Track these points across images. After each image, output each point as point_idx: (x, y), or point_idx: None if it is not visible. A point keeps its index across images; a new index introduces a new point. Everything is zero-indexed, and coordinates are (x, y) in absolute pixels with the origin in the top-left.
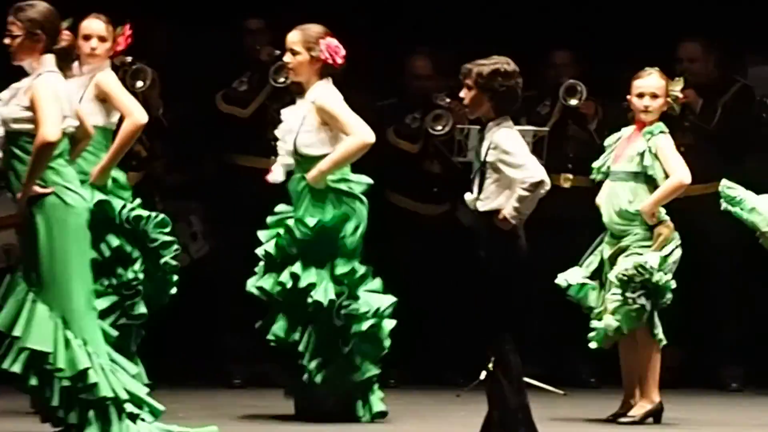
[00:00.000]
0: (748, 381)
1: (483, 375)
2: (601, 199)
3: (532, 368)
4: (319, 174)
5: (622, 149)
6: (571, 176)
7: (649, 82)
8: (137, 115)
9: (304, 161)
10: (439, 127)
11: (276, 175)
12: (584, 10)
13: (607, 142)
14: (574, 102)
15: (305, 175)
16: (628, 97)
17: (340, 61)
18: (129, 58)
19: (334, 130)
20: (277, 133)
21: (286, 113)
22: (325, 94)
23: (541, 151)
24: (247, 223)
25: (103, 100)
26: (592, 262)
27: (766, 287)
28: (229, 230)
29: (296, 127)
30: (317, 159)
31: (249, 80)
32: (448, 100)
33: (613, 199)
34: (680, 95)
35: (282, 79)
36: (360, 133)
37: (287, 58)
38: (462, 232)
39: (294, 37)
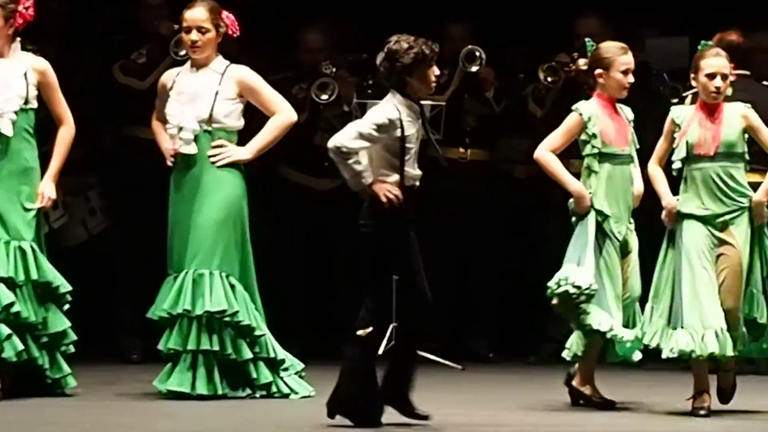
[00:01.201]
0: None
1: (381, 349)
2: (693, 188)
3: (430, 343)
4: (257, 154)
5: (712, 132)
6: (463, 150)
7: (721, 61)
8: None
9: (216, 132)
10: (325, 96)
11: (192, 148)
12: None
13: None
14: (474, 68)
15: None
16: (693, 76)
17: (236, 34)
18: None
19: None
20: (175, 104)
21: (182, 84)
22: (244, 68)
23: (439, 124)
24: (145, 197)
25: None
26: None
27: None
28: (128, 205)
29: (209, 97)
30: (230, 132)
31: (147, 53)
32: (334, 69)
33: (720, 184)
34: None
35: (183, 52)
36: (288, 112)
37: (195, 35)
38: (357, 207)
39: (201, 15)
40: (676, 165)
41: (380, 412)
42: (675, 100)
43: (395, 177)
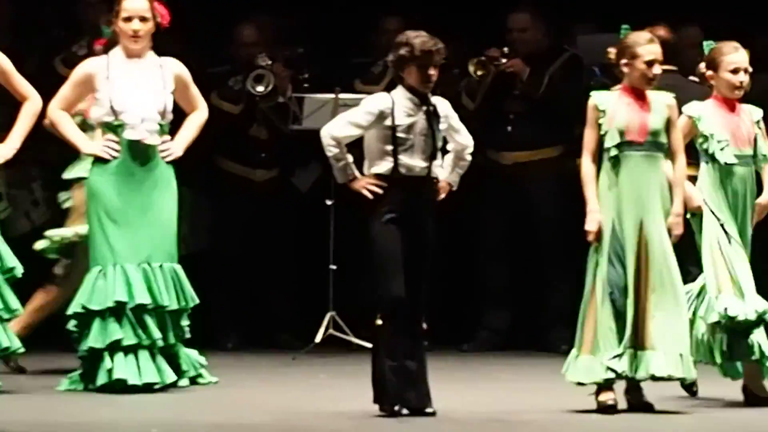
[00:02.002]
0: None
1: (318, 338)
2: (715, 187)
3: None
4: (185, 149)
5: (731, 129)
6: None
7: (743, 57)
8: None
9: (163, 127)
10: (261, 88)
11: (156, 138)
12: None
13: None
14: None
15: (164, 146)
16: (707, 72)
17: (167, 24)
18: None
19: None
20: (123, 93)
21: (123, 73)
22: (179, 62)
23: None
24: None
25: None
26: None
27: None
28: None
29: (162, 90)
30: (167, 125)
31: (88, 45)
32: (269, 61)
33: (748, 185)
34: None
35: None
36: (206, 108)
37: (137, 25)
38: (295, 198)
39: (142, 5)
40: (613, 152)
41: (393, 399)
42: None
43: (388, 165)
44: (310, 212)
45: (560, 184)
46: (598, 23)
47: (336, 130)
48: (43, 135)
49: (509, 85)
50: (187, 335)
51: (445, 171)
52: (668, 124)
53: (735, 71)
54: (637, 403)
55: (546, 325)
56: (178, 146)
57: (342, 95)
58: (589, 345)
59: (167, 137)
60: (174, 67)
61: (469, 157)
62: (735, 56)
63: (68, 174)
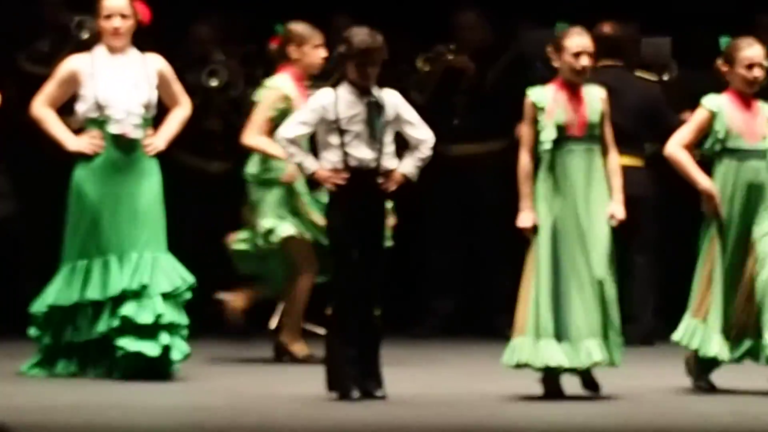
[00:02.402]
0: None
1: (273, 324)
2: (730, 181)
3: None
4: (167, 144)
5: (745, 124)
6: None
7: (759, 52)
8: None
9: (146, 122)
10: (215, 83)
11: (139, 132)
12: None
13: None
14: None
15: (147, 141)
16: (723, 67)
17: (147, 22)
18: None
19: None
20: (108, 88)
21: (107, 69)
22: (161, 58)
23: None
24: (53, 182)
25: None
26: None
27: None
28: (35, 189)
29: (146, 85)
30: (150, 120)
31: (51, 40)
32: (223, 57)
33: (763, 178)
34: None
35: (86, 35)
36: (189, 106)
37: (118, 22)
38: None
39: (122, 3)
40: (547, 146)
41: (345, 384)
42: None
43: (337, 158)
44: None
45: (505, 175)
46: (542, 20)
47: (288, 132)
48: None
49: (456, 80)
50: (183, 320)
51: (403, 163)
52: (602, 117)
53: (750, 66)
54: (587, 383)
55: (490, 310)
56: (160, 140)
57: None
58: (523, 328)
59: (151, 131)
60: (157, 63)
61: (427, 151)
62: (750, 51)
63: (251, 170)
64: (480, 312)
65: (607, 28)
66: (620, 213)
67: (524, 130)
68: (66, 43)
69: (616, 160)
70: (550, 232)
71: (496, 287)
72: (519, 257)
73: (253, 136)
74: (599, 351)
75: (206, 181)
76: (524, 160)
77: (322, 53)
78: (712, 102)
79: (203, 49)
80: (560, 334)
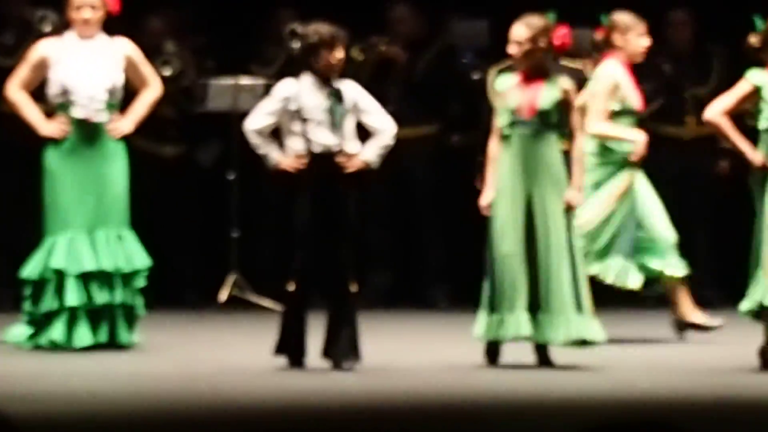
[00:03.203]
0: (454, 300)
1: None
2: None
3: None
4: (135, 127)
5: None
6: None
7: None
8: None
9: (112, 106)
10: (167, 72)
11: (103, 116)
12: None
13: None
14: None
15: (111, 125)
16: (758, 45)
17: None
18: None
19: None
20: (73, 73)
21: (73, 55)
22: (129, 42)
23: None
24: (16, 168)
25: None
26: None
27: (466, 211)
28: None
29: (110, 70)
30: (116, 103)
31: (15, 34)
32: (175, 48)
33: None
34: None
35: (48, 28)
36: (158, 87)
37: (88, 14)
38: (200, 172)
39: None
40: (505, 132)
41: (299, 355)
42: (476, 76)
43: (301, 144)
44: (214, 185)
45: (436, 157)
46: (471, 12)
47: (254, 123)
48: None
49: (388, 69)
50: (137, 299)
51: (364, 149)
52: (564, 106)
53: None
54: (542, 359)
55: (425, 283)
56: (127, 123)
57: (242, 80)
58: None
59: (116, 115)
60: (124, 47)
61: (389, 140)
62: None
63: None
64: (416, 285)
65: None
66: (576, 200)
67: (495, 117)
68: (29, 36)
69: (581, 147)
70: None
71: (430, 262)
72: (450, 233)
73: (593, 124)
74: (529, 325)
75: (160, 164)
76: (491, 144)
77: (645, 42)
78: (756, 76)
79: (156, 40)
80: (524, 306)
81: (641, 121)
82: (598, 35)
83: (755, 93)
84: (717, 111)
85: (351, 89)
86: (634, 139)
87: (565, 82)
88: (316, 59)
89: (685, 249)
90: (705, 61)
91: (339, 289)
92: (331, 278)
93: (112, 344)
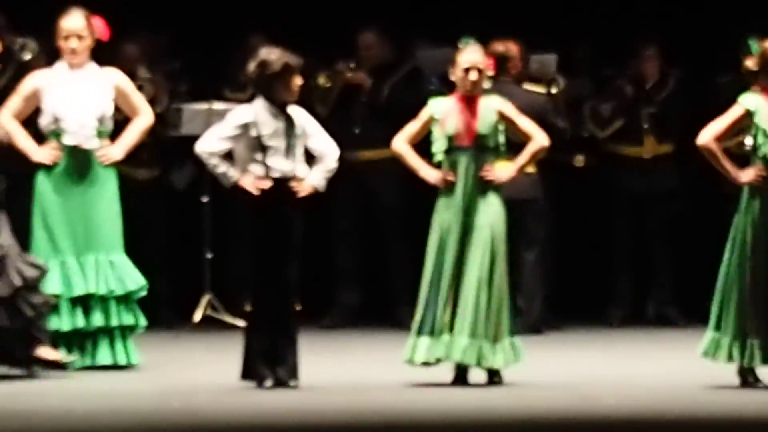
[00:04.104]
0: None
1: (197, 317)
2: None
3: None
4: (126, 154)
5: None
6: None
7: None
8: None
9: (102, 134)
10: None
11: (94, 143)
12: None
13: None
14: None
15: (101, 152)
16: (755, 68)
17: (105, 39)
18: None
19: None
20: (64, 103)
21: (65, 85)
22: (118, 72)
23: None
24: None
25: None
26: None
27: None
28: None
29: (100, 99)
30: (106, 131)
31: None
32: (149, 75)
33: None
34: None
35: (28, 56)
36: (150, 115)
37: (74, 43)
38: (173, 195)
39: (78, 24)
40: (439, 156)
41: (263, 374)
42: None
43: (260, 170)
44: (188, 208)
45: (402, 178)
46: (437, 39)
47: (208, 146)
48: None
49: (355, 93)
50: (135, 319)
51: (311, 175)
52: (504, 123)
53: None
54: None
55: (392, 303)
56: (117, 150)
57: (215, 105)
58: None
59: (106, 142)
60: (113, 77)
61: (333, 164)
62: None
63: None
64: (383, 304)
65: (497, 46)
66: (498, 175)
67: (412, 124)
68: (10, 64)
69: (536, 145)
70: (440, 238)
71: (397, 282)
72: (416, 252)
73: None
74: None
75: (134, 187)
76: (400, 143)
77: None
78: (748, 100)
79: (130, 66)
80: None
81: None
82: (748, 63)
83: (747, 117)
84: (709, 136)
85: (299, 114)
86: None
87: (497, 103)
88: (275, 86)
89: (645, 266)
90: (662, 84)
91: (284, 307)
92: (278, 297)
93: (114, 366)
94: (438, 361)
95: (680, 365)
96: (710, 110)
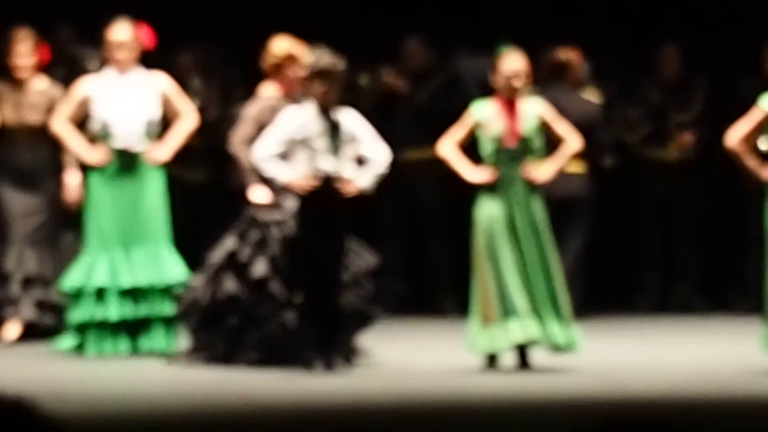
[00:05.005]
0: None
1: None
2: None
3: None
4: (172, 156)
5: (510, 127)
6: None
7: None
8: None
9: (149, 136)
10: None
11: (143, 145)
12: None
13: None
14: None
15: (148, 154)
16: None
17: (152, 47)
18: None
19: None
20: (115, 107)
21: (114, 90)
22: (165, 77)
23: None
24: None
25: None
26: None
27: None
28: None
29: (147, 104)
30: (154, 135)
31: (64, 69)
32: (201, 84)
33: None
34: None
35: (94, 66)
36: (195, 117)
37: (120, 54)
38: (226, 196)
39: (125, 37)
40: (489, 159)
41: (312, 361)
42: None
43: (308, 171)
44: (240, 208)
45: (443, 176)
46: (478, 47)
47: (266, 151)
48: None
49: (394, 98)
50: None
51: (360, 177)
52: (543, 126)
53: None
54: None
55: (437, 292)
56: (163, 152)
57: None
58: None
59: (153, 144)
60: (161, 82)
61: (382, 168)
62: None
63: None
64: (429, 294)
65: (559, 54)
66: (539, 174)
67: (457, 128)
68: (76, 73)
69: (569, 148)
70: (487, 230)
71: (440, 272)
72: (460, 245)
73: None
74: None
75: (187, 189)
76: (448, 147)
77: None
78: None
79: (184, 74)
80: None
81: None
82: None
83: (766, 119)
84: (735, 139)
85: (349, 118)
86: None
87: (537, 107)
88: (316, 87)
89: (672, 260)
90: (688, 91)
91: (333, 298)
92: (328, 289)
93: (153, 353)
94: (528, 343)
95: (705, 350)
96: (732, 113)
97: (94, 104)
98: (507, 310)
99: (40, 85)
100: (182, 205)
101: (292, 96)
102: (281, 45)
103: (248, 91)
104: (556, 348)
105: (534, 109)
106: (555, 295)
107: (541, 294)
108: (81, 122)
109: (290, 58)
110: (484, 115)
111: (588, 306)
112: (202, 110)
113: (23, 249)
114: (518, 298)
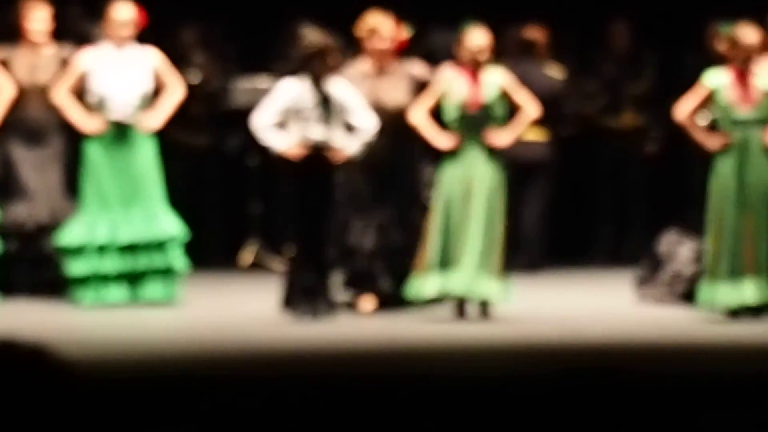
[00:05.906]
0: None
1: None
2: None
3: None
4: (163, 125)
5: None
6: None
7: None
8: None
9: (142, 107)
10: (196, 81)
11: (137, 116)
12: None
13: None
14: None
15: (141, 122)
16: (725, 48)
17: (145, 25)
18: None
19: None
20: (111, 79)
21: (110, 63)
22: (157, 51)
23: None
24: None
25: None
26: None
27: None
28: None
29: (141, 78)
30: (146, 103)
31: (75, 45)
32: (202, 58)
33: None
34: None
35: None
36: (181, 89)
37: (123, 32)
38: (226, 160)
39: (128, 15)
40: (452, 125)
41: (302, 309)
42: None
43: (298, 139)
44: (238, 171)
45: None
46: (451, 23)
47: (266, 120)
48: None
49: None
50: (176, 261)
51: (348, 144)
52: (504, 95)
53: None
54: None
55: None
56: (154, 121)
57: (262, 83)
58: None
59: (147, 113)
60: (153, 57)
61: (370, 136)
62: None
63: None
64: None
65: (527, 33)
66: (499, 140)
67: (425, 99)
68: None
69: (526, 116)
70: (446, 192)
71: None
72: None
73: None
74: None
75: (191, 153)
76: (419, 116)
77: None
78: (711, 79)
79: (186, 50)
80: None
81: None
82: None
83: (710, 94)
84: (684, 112)
85: (340, 88)
86: None
87: (499, 77)
88: (314, 64)
89: (624, 217)
90: (639, 65)
91: (322, 253)
92: (316, 246)
93: (155, 301)
94: (445, 296)
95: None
96: (681, 86)
97: (92, 78)
98: (441, 262)
99: (52, 49)
100: (186, 167)
101: (380, 67)
102: (366, 20)
103: (242, 65)
104: (483, 301)
105: (496, 79)
106: (490, 252)
107: (476, 249)
108: (80, 93)
109: (372, 32)
110: (449, 83)
111: (549, 259)
112: (205, 81)
113: (34, 202)
114: (454, 252)
